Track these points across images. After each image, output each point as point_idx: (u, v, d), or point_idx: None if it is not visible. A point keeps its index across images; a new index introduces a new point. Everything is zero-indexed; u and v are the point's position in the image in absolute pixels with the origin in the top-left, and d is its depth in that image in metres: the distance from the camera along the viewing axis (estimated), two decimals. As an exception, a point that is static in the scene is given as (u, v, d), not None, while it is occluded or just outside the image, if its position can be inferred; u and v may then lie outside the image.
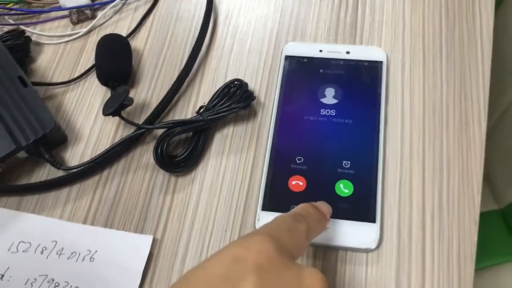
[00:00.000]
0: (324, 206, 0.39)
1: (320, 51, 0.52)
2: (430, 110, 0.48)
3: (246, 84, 0.49)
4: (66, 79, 0.55)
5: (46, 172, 0.49)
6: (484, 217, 0.80)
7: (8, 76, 0.49)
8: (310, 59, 0.51)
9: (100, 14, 0.58)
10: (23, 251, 0.45)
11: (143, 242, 0.44)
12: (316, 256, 0.43)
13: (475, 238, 0.42)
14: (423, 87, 0.49)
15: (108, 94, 0.53)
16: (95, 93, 0.54)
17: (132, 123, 0.48)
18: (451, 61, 0.50)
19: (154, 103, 0.52)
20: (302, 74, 0.51)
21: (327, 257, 0.42)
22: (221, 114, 0.48)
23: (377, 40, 0.52)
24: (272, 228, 0.33)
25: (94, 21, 0.58)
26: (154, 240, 0.45)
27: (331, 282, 0.41)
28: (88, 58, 0.56)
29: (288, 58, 0.52)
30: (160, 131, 0.49)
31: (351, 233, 0.42)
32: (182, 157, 0.47)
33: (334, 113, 0.48)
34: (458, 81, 0.49)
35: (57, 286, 0.43)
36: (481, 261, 0.77)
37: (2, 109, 0.47)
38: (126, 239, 0.45)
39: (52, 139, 0.49)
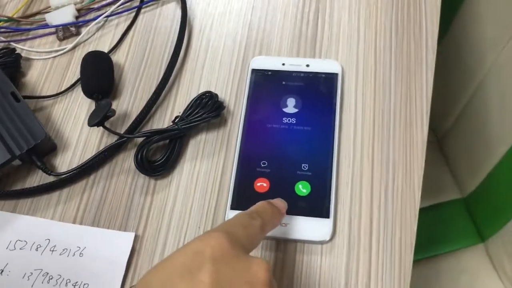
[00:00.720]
0: (280, 202, 0.44)
1: (283, 64, 0.57)
2: (379, 116, 0.53)
3: (216, 95, 0.54)
4: (54, 92, 0.59)
5: (38, 178, 0.54)
6: (449, 205, 0.87)
7: (2, 92, 0.53)
8: (274, 72, 0.56)
9: (84, 30, 0.63)
10: (20, 248, 0.50)
11: (126, 238, 0.49)
12: (277, 249, 0.48)
13: (415, 228, 0.47)
14: (374, 95, 0.54)
15: (93, 106, 0.58)
16: (81, 104, 0.58)
17: (114, 133, 0.53)
18: (399, 71, 0.55)
19: (135, 113, 0.57)
20: (266, 86, 0.56)
21: (287, 249, 0.48)
22: (194, 123, 0.53)
23: (334, 52, 0.57)
24: (229, 225, 0.39)
25: (78, 38, 0.63)
26: (136, 237, 0.50)
27: (291, 271, 0.47)
28: (74, 72, 0.61)
29: (254, 71, 0.57)
30: (140, 139, 0.54)
31: (308, 228, 0.47)
32: (160, 162, 0.52)
33: (295, 121, 0.53)
34: (404, 89, 0.54)
35: (51, 279, 0.48)
36: (444, 246, 0.83)
37: (-3, 123, 0.52)
38: (111, 236, 0.50)
39: (43, 148, 0.54)
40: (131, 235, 0.49)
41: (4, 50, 0.60)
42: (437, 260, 0.81)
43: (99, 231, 0.50)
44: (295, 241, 0.48)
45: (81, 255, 0.49)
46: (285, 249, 0.48)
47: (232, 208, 0.49)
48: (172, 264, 0.35)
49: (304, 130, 0.52)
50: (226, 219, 0.49)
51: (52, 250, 0.50)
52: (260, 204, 0.43)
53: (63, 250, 0.49)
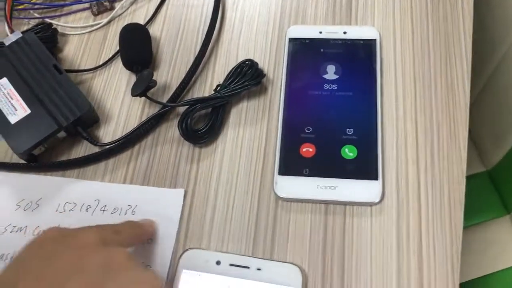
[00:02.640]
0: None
1: (320, 32, 0.55)
2: (420, 79, 0.51)
3: (257, 63, 0.52)
4: (93, 66, 0.57)
5: (83, 149, 0.52)
6: (473, 179, 0.85)
7: (45, 65, 0.51)
8: (312, 40, 0.54)
9: (118, 5, 0.61)
10: (70, 210, 0.49)
11: (176, 195, 0.48)
12: (326, 212, 0.46)
13: (463, 187, 0.46)
14: (413, 59, 0.52)
15: (132, 78, 0.56)
16: (120, 77, 0.56)
17: (158, 102, 0.52)
18: (437, 35, 0.53)
19: (174, 84, 0.55)
20: (305, 54, 0.54)
21: (337, 212, 0.46)
22: (236, 91, 0.51)
23: (370, 19, 0.55)
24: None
25: (113, 12, 0.61)
26: (185, 196, 0.48)
27: (341, 233, 0.45)
28: (111, 46, 0.59)
29: (291, 40, 0.55)
30: (182, 109, 0.52)
31: (356, 190, 0.46)
32: (204, 130, 0.51)
33: (336, 87, 0.51)
34: (443, 52, 0.52)
35: None
36: (471, 219, 0.81)
37: (43, 95, 0.50)
38: (161, 193, 0.49)
39: (87, 120, 0.52)
40: (181, 191, 0.48)
41: (41, 26, 0.58)
42: (464, 232, 0.79)
43: (149, 189, 0.49)
44: (344, 203, 0.46)
45: (133, 213, 0.48)
46: (334, 212, 0.46)
47: (281, 173, 0.47)
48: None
49: (346, 96, 0.50)
50: (275, 184, 0.47)
51: (103, 210, 0.48)
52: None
53: (114, 209, 0.48)
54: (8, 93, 0.50)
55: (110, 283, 0.34)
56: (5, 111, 0.49)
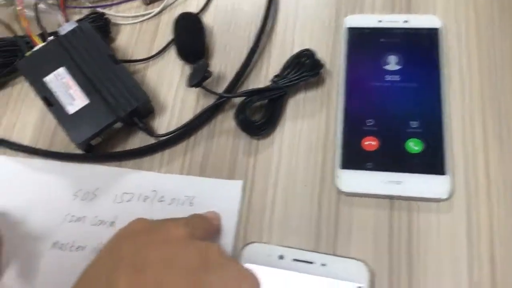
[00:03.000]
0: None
1: (380, 21, 0.53)
2: (486, 69, 0.49)
3: (315, 53, 0.51)
4: (145, 56, 0.56)
5: (138, 140, 0.52)
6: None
7: (101, 55, 0.51)
8: (371, 29, 0.52)
9: (169, -6, 0.60)
10: (127, 201, 0.48)
11: (235, 186, 0.47)
12: (391, 207, 0.45)
13: (536, 183, 0.44)
14: (478, 48, 0.50)
15: (185, 68, 0.55)
16: (173, 67, 0.55)
17: (214, 93, 0.50)
18: (504, 24, 0.51)
19: (228, 74, 0.54)
20: (364, 44, 0.52)
21: (403, 207, 0.45)
22: (295, 82, 0.50)
23: (431, 7, 0.53)
24: None
25: (164, 1, 0.59)
26: (243, 193, 0.47)
27: (407, 229, 0.44)
28: (163, 35, 0.58)
29: (350, 29, 0.53)
30: (237, 100, 0.51)
31: (423, 185, 0.44)
32: (262, 122, 0.49)
33: (399, 78, 0.49)
34: (511, 41, 0.50)
35: None
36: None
37: (100, 85, 0.49)
38: (219, 185, 0.48)
39: (143, 111, 0.51)
40: (240, 183, 0.47)
41: (93, 15, 0.57)
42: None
43: (207, 180, 0.48)
44: (410, 199, 0.44)
45: (191, 204, 0.47)
46: (400, 207, 0.45)
47: (342, 167, 0.46)
48: (98, 254, 0.38)
49: (410, 87, 0.49)
50: (336, 178, 0.46)
51: (161, 201, 0.47)
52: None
53: (172, 200, 0.47)
54: (65, 83, 0.49)
55: (208, 279, 0.33)
56: (63, 101, 0.49)
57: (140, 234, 0.37)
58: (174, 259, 0.34)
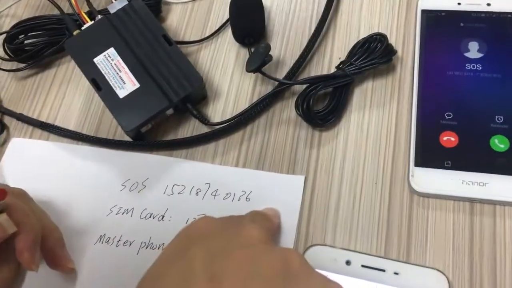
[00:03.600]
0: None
1: (459, 4, 0.48)
2: None
3: (387, 38, 0.46)
4: (198, 37, 0.52)
5: (190, 128, 0.48)
6: None
7: (154, 35, 0.47)
8: (449, 12, 0.47)
9: (224, -29, 0.55)
10: (178, 193, 0.44)
11: (296, 182, 0.43)
12: (472, 211, 0.40)
13: None
14: None
15: (242, 51, 0.51)
16: (228, 50, 0.51)
17: (274, 79, 0.46)
18: None
19: (288, 60, 0.50)
20: (441, 28, 0.47)
21: (486, 211, 0.40)
22: (364, 69, 0.45)
23: (517, -10, 0.48)
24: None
25: (219, -21, 0.55)
26: (305, 184, 0.43)
27: (491, 236, 0.39)
28: (217, 16, 0.54)
29: (424, 12, 0.48)
30: (298, 87, 0.47)
31: (511, 188, 0.39)
32: (326, 111, 0.45)
33: (481, 68, 0.44)
34: None
35: None
36: None
37: (152, 67, 0.46)
38: (279, 179, 0.44)
39: (196, 96, 0.47)
40: (301, 178, 0.43)
41: (143, -8, 0.53)
42: None
43: (265, 174, 0.44)
44: (494, 202, 0.40)
45: (247, 199, 0.43)
46: (481, 212, 0.40)
47: (417, 165, 0.41)
48: (163, 255, 0.33)
49: (494, 78, 0.43)
50: (410, 177, 0.41)
51: (214, 195, 0.44)
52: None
53: (227, 194, 0.43)
54: (116, 64, 0.46)
55: None
56: (113, 84, 0.45)
57: (211, 237, 0.33)
58: (254, 268, 0.30)
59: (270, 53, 0.48)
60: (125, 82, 0.45)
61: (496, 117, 0.42)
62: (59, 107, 0.50)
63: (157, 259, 0.33)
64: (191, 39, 0.53)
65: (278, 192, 0.43)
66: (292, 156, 0.45)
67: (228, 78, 0.50)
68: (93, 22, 0.48)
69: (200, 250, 0.31)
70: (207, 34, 0.52)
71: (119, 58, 0.46)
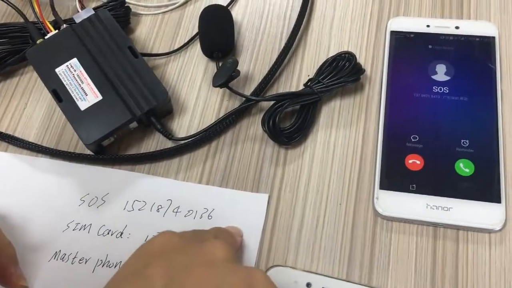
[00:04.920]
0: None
1: (428, 26, 0.48)
2: (547, 87, 0.44)
3: (355, 56, 0.45)
4: (167, 50, 0.52)
5: (154, 143, 0.47)
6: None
7: (119, 46, 0.46)
8: (418, 34, 0.47)
9: (196, -16, 0.55)
10: (139, 209, 0.43)
11: (260, 200, 0.42)
12: (435, 235, 0.40)
13: None
14: (538, 62, 0.45)
15: (210, 65, 0.50)
16: (197, 64, 0.51)
17: (241, 95, 0.45)
18: None
19: (257, 75, 0.49)
20: (410, 50, 0.47)
21: (447, 236, 0.39)
22: (332, 87, 0.45)
23: (485, 13, 0.48)
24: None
25: (190, -8, 0.54)
26: (269, 203, 0.42)
27: (453, 261, 0.38)
28: (187, 29, 0.53)
29: (393, 33, 0.48)
30: (265, 103, 0.46)
31: (474, 213, 0.39)
32: (292, 129, 0.44)
33: (448, 90, 0.44)
34: None
35: None
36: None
37: (116, 79, 0.44)
38: (242, 197, 0.43)
39: (161, 110, 0.46)
40: (265, 197, 0.42)
41: (113, 3, 0.52)
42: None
43: (228, 191, 0.43)
44: (458, 227, 0.39)
45: (209, 217, 0.42)
46: (444, 236, 0.39)
47: (382, 187, 0.41)
48: (119, 273, 0.31)
49: (460, 101, 0.43)
50: (375, 199, 0.40)
51: (176, 212, 0.42)
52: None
53: (188, 211, 0.42)
54: (78, 75, 0.44)
55: None
56: (74, 96, 0.44)
57: (172, 253, 0.31)
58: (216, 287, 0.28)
59: (239, 68, 0.47)
60: (87, 94, 0.44)
61: (462, 141, 0.42)
62: (20, 118, 0.49)
63: (113, 277, 0.31)
64: (160, 52, 0.52)
65: (241, 210, 0.42)
66: (257, 174, 0.44)
67: (195, 93, 0.49)
68: (57, 31, 0.46)
69: (160, 267, 0.29)
70: (176, 47, 0.52)
71: (82, 69, 0.45)
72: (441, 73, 0.45)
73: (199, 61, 0.51)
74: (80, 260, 0.42)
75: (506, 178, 0.40)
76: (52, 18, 0.49)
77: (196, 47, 0.51)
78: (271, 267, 0.39)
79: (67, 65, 0.45)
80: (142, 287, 0.29)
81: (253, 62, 0.50)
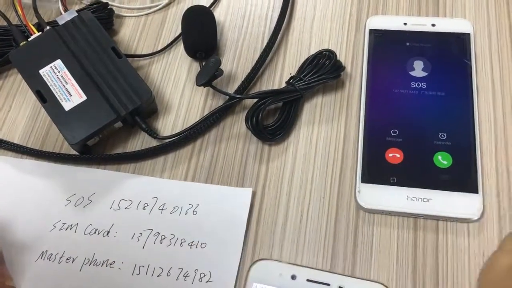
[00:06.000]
0: None
1: (405, 24, 0.49)
2: (520, 81, 0.45)
3: (336, 54, 0.46)
4: (150, 51, 0.52)
5: (139, 142, 0.47)
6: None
7: (103, 47, 0.46)
8: (396, 32, 0.48)
9: (178, -14, 0.55)
10: (125, 208, 0.43)
11: (244, 195, 0.43)
12: (415, 227, 0.41)
13: None
14: (511, 54, 0.46)
15: (194, 65, 0.51)
16: (180, 64, 0.51)
17: (225, 93, 0.46)
18: (538, 33, 0.47)
19: (240, 74, 0.49)
20: (388, 47, 0.48)
21: (428, 227, 0.40)
22: (313, 84, 0.46)
23: (460, 10, 0.49)
24: None
25: (173, -7, 0.55)
26: (253, 203, 0.43)
27: (433, 251, 0.39)
28: (170, 30, 0.53)
29: (372, 31, 0.49)
30: (249, 101, 0.47)
31: (452, 204, 0.40)
32: (275, 126, 0.45)
33: (425, 86, 0.45)
34: (547, 52, 0.46)
35: (164, 238, 0.42)
36: None
37: (100, 80, 0.45)
38: (227, 192, 0.43)
39: (146, 110, 0.47)
40: (249, 191, 0.43)
41: (96, 5, 0.53)
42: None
43: (213, 187, 0.44)
44: (438, 218, 0.40)
45: (194, 213, 0.42)
46: (425, 227, 0.40)
47: (364, 181, 0.41)
48: None
49: (437, 96, 0.44)
50: (357, 193, 0.41)
51: (162, 209, 0.43)
52: None
53: (174, 208, 0.43)
54: (62, 76, 0.45)
55: None
56: (58, 96, 0.44)
57: None
58: None
59: (222, 67, 0.48)
60: (71, 95, 0.44)
61: (440, 134, 0.43)
62: (4, 120, 0.49)
63: None
64: (143, 53, 0.52)
65: (225, 205, 0.43)
66: (241, 171, 0.45)
67: (180, 92, 0.49)
68: (40, 33, 0.47)
69: None
70: (159, 48, 0.52)
71: (66, 70, 0.45)
72: (418, 69, 0.46)
73: (183, 61, 0.51)
74: (67, 259, 0.42)
75: (482, 169, 0.41)
76: (35, 21, 0.49)
77: (180, 48, 0.52)
78: (257, 260, 0.40)
79: (51, 66, 0.45)
80: None
81: (236, 61, 0.50)
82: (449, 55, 0.46)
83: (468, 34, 0.47)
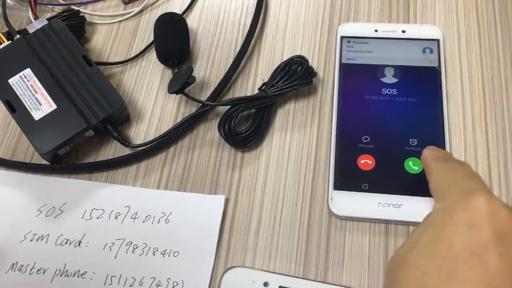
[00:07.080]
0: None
1: (376, 31, 0.49)
2: (488, 83, 0.46)
3: (307, 60, 0.46)
4: (123, 58, 0.51)
5: (112, 150, 0.47)
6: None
7: (73, 56, 0.46)
8: (366, 39, 0.48)
9: (151, -7, 0.55)
10: (97, 217, 0.43)
11: (216, 202, 0.43)
12: (387, 233, 0.41)
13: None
14: (480, 61, 0.47)
15: (166, 73, 0.50)
16: (153, 71, 0.51)
17: (197, 100, 0.46)
18: (506, 33, 0.48)
19: (213, 81, 0.49)
20: (359, 54, 0.48)
21: (399, 232, 0.40)
22: (285, 90, 0.46)
23: (430, 16, 0.50)
24: (478, 180, 0.31)
25: (145, 1, 0.55)
26: (226, 210, 0.42)
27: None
28: (143, 37, 0.53)
29: (344, 38, 0.49)
30: (222, 108, 0.47)
31: (423, 209, 0.40)
32: (248, 132, 0.45)
33: (396, 92, 0.45)
34: (514, 56, 0.46)
35: (136, 248, 0.41)
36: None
37: (70, 88, 0.44)
38: (199, 199, 0.43)
39: (117, 118, 0.46)
40: (222, 198, 0.43)
41: (67, 13, 0.52)
42: None
43: (185, 195, 0.43)
44: (408, 223, 0.40)
45: (167, 221, 0.42)
46: (396, 233, 0.41)
47: (336, 188, 0.42)
48: (450, 249, 0.27)
49: (408, 102, 0.45)
50: (329, 200, 0.41)
51: (134, 218, 0.42)
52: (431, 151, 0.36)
53: (146, 217, 0.42)
54: (32, 85, 0.44)
55: None
56: (28, 106, 0.43)
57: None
58: None
59: (195, 74, 0.47)
60: (41, 104, 0.43)
61: (410, 140, 0.43)
62: (-26, 129, 0.48)
63: (439, 241, 0.28)
64: (116, 60, 0.52)
65: (198, 212, 0.42)
66: (214, 178, 0.44)
67: (152, 100, 0.49)
68: (9, 42, 0.46)
69: (500, 257, 0.26)
70: (132, 55, 0.52)
71: (35, 78, 0.44)
72: (389, 75, 0.46)
73: (156, 69, 0.51)
74: (38, 270, 0.41)
75: (452, 174, 0.42)
76: (5, 29, 0.48)
77: (152, 55, 0.51)
78: (229, 268, 0.40)
79: (20, 76, 0.44)
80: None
81: (209, 68, 0.50)
82: (419, 61, 0.47)
83: (438, 40, 0.47)
